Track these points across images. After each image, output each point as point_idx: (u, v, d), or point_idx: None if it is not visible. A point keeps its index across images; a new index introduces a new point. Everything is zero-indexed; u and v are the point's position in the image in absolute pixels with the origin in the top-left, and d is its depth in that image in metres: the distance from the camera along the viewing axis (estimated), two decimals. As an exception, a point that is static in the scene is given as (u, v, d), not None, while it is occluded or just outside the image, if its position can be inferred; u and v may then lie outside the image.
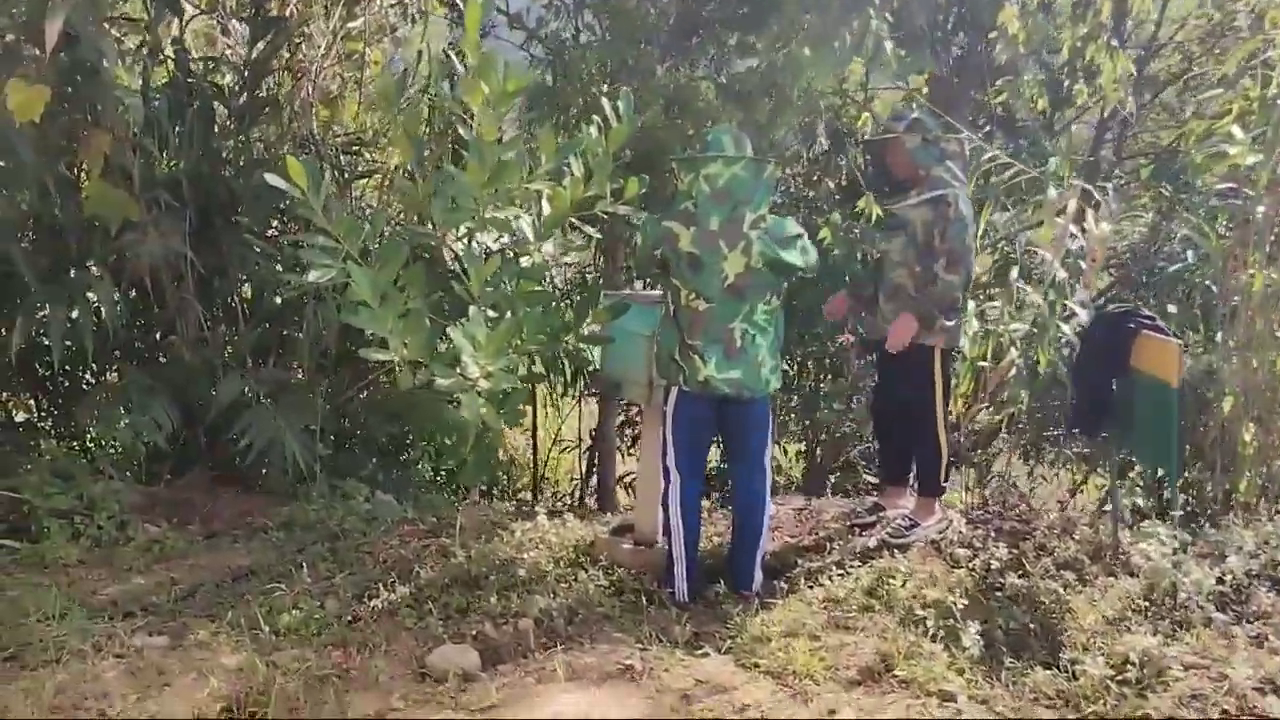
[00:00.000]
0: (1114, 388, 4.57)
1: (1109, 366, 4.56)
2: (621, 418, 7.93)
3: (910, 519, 4.99)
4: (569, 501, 8.59)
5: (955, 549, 4.81)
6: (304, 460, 5.75)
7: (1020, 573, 4.55)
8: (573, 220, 4.58)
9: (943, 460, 4.96)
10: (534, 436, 8.60)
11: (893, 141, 4.84)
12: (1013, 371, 6.42)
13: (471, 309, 4.05)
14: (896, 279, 4.88)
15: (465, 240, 4.40)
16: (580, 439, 8.61)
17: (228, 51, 7.44)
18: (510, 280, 4.34)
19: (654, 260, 4.32)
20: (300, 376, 6.36)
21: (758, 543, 4.45)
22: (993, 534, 4.95)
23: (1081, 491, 7.78)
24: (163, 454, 5.91)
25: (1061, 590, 4.38)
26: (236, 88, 6.76)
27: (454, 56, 4.41)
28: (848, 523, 5.21)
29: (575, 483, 8.65)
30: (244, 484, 6.18)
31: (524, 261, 4.44)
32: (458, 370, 4.02)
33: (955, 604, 4.03)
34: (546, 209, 4.46)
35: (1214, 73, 7.90)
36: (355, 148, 7.69)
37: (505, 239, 4.52)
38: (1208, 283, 5.84)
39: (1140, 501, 5.33)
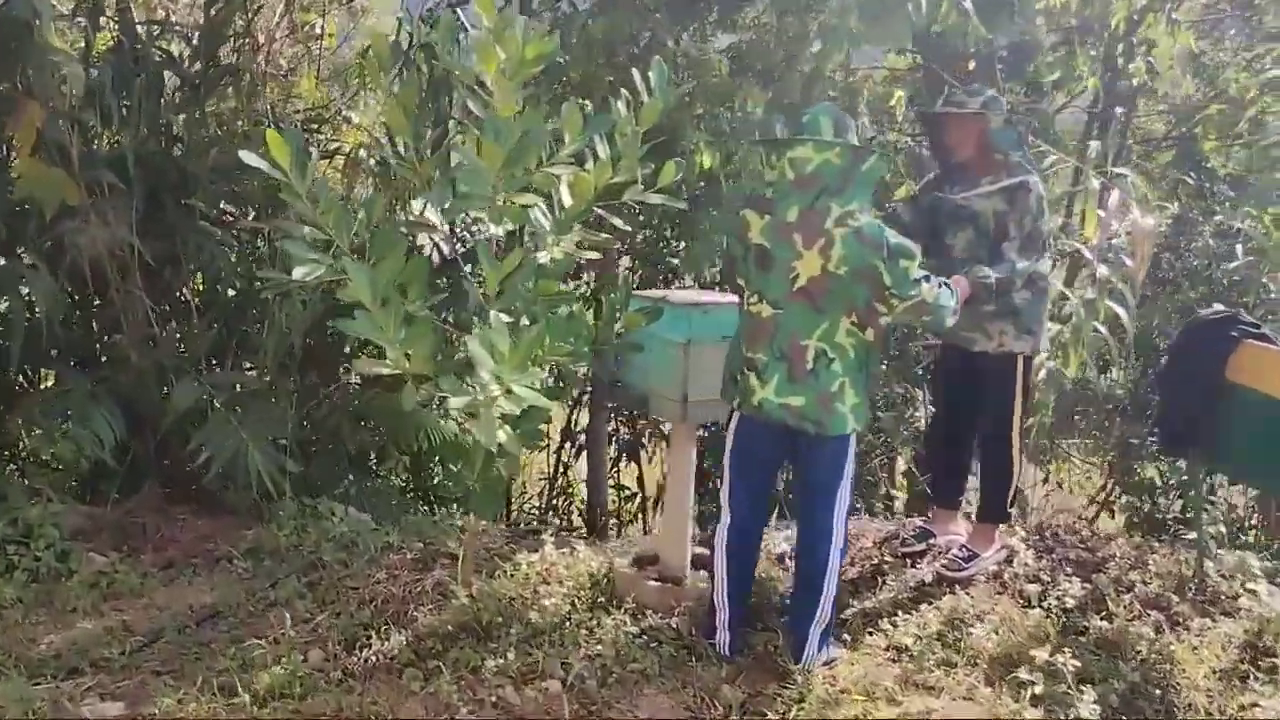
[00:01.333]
0: (1208, 403, 4.03)
1: (1203, 379, 4.03)
2: (612, 420, 7.30)
3: (968, 548, 4.43)
4: (539, 505, 8.02)
5: (1023, 584, 4.27)
6: (271, 477, 5.07)
7: (1102, 613, 4.03)
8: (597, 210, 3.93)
9: (1012, 483, 4.40)
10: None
11: (967, 120, 4.22)
12: (1042, 374, 5.91)
13: (493, 314, 3.41)
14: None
15: (469, 231, 3.74)
16: (549, 437, 7.98)
17: (175, 15, 6.73)
18: (529, 279, 3.70)
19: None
20: (262, 379, 5.66)
21: (813, 613, 3.71)
22: (1062, 565, 4.43)
23: (1105, 505, 7.34)
24: (108, 470, 5.19)
25: (1153, 634, 3.87)
26: (187, 56, 6.04)
27: (462, 18, 3.74)
28: (895, 551, 4.64)
29: (544, 482, 8.05)
30: (201, 503, 5.49)
31: (541, 257, 3.80)
32: (475, 386, 3.39)
33: (1064, 665, 3.45)
34: (566, 197, 3.82)
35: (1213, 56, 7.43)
36: (316, 125, 7.00)
37: (506, 231, 3.86)
38: (1264, 280, 5.34)
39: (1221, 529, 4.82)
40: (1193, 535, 4.54)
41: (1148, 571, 4.39)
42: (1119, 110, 5.91)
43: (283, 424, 5.27)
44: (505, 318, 3.57)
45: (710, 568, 3.90)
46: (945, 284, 3.55)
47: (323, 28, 7.88)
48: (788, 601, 3.93)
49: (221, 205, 6.10)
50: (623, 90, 3.88)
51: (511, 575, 4.38)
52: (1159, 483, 7.18)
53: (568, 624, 3.97)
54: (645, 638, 3.90)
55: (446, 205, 3.85)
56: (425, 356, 3.53)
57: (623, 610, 4.08)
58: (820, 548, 3.67)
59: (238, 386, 5.49)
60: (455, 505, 5.51)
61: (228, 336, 5.82)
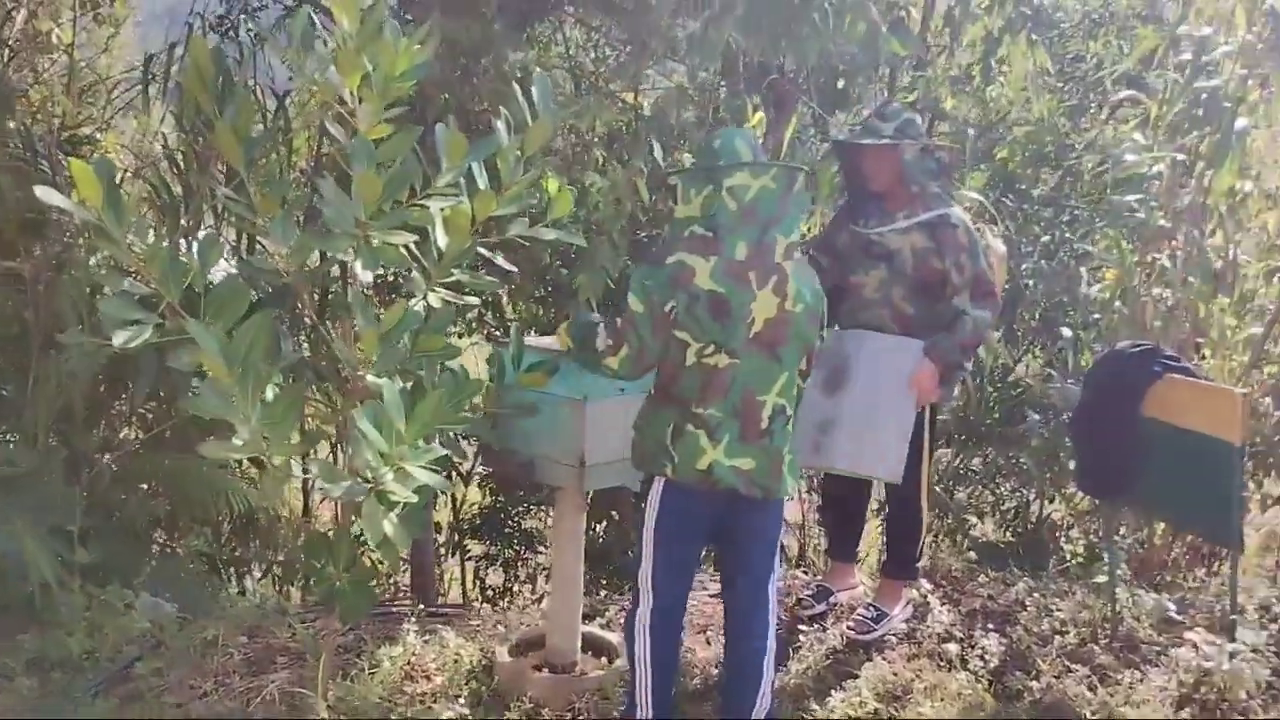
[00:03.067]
0: (1130, 442, 3.83)
1: (1124, 417, 3.82)
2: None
3: (876, 607, 4.09)
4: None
5: (938, 643, 3.97)
6: (53, 575, 4.22)
7: (1031, 672, 3.77)
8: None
9: (921, 538, 4.09)
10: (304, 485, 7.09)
11: (883, 149, 3.87)
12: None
13: (384, 383, 2.80)
14: (872, 320, 3.94)
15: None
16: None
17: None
18: (406, 336, 3.10)
19: (668, 321, 3.08)
20: (32, 451, 4.75)
21: (754, 702, 3.22)
22: (974, 618, 4.16)
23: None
24: None
25: (1089, 693, 3.63)
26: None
27: (317, 21, 3.09)
28: (795, 613, 4.25)
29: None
30: (-42, 604, 4.54)
31: (415, 305, 3.20)
32: (363, 468, 2.78)
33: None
34: (442, 234, 3.23)
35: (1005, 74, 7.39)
36: (73, 147, 6.07)
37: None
38: (1117, 303, 5.26)
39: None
40: (1101, 577, 4.36)
41: (1055, 619, 4.17)
42: (971, 132, 5.75)
43: (67, 506, 4.42)
44: (379, 381, 2.99)
45: (627, 658, 3.35)
46: None
47: (70, 37, 6.94)
48: (722, 692, 3.43)
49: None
50: (502, 110, 3.32)
51: (373, 674, 3.74)
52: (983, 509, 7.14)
53: (457, 736, 3.39)
54: (551, 745, 3.36)
55: (293, 245, 3.19)
56: (288, 435, 2.89)
57: (514, 710, 3.52)
58: (760, 626, 3.24)
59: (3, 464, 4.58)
60: (319, 605, 4.75)
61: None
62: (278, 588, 6.37)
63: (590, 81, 5.71)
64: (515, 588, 7.40)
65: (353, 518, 3.30)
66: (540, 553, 7.53)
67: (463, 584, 7.24)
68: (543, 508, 7.55)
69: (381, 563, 3.86)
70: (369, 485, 2.82)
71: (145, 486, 5.41)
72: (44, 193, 2.82)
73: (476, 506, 7.69)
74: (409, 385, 3.13)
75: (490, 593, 7.38)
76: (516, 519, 7.50)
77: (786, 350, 3.11)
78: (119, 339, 2.81)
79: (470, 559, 7.57)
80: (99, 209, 2.79)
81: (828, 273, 4.04)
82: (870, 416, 3.80)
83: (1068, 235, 6.57)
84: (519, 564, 7.50)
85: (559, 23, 5.90)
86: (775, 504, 3.22)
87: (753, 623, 3.24)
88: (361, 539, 3.22)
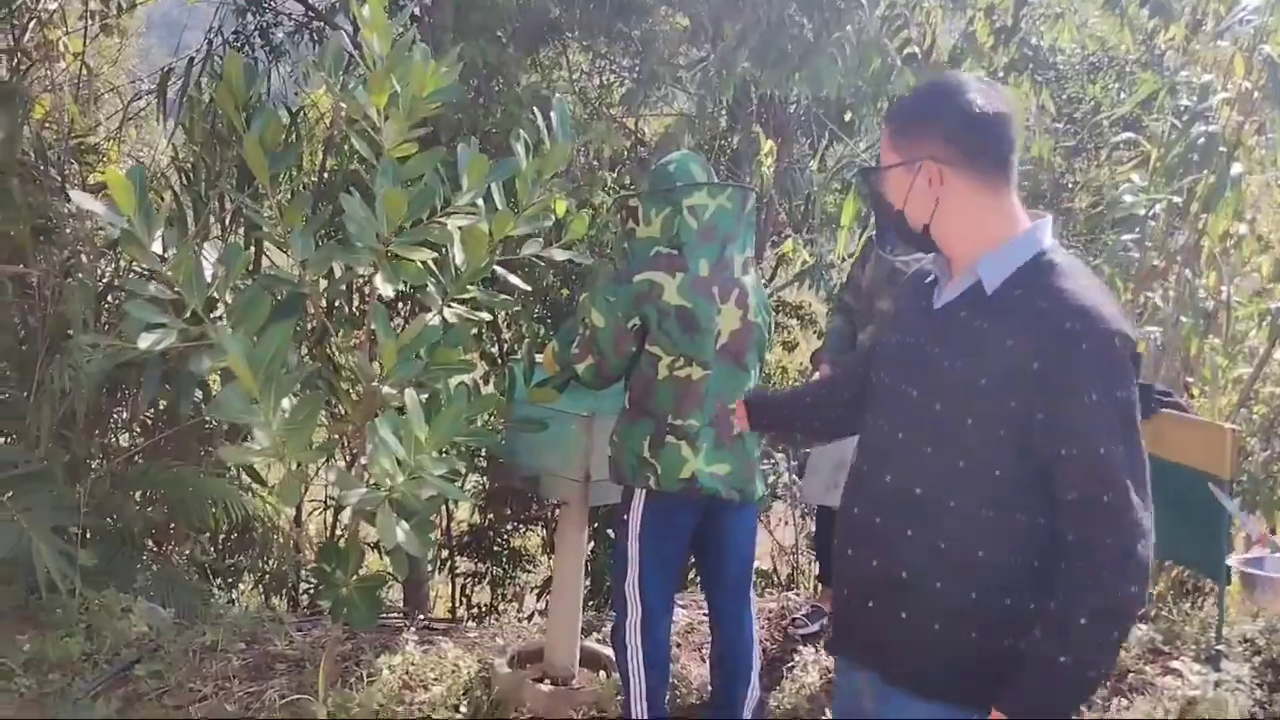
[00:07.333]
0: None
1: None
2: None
3: (869, 629, 4.16)
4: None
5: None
6: (60, 575, 4.25)
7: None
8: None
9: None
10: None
11: None
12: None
13: (409, 394, 2.87)
14: None
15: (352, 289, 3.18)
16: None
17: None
18: (425, 349, 3.17)
19: (630, 337, 3.23)
20: (37, 455, 4.78)
21: (745, 691, 3.36)
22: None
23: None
24: None
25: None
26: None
27: (344, 40, 3.18)
28: (789, 633, 4.32)
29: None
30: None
31: (431, 319, 3.27)
32: (380, 477, 2.84)
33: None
34: (459, 252, 3.31)
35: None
36: (84, 155, 6.14)
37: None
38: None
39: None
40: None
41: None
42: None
43: (70, 509, 4.45)
44: (397, 392, 3.07)
45: (619, 669, 3.41)
46: None
47: (79, 46, 7.01)
48: (714, 678, 3.50)
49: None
50: (521, 132, 3.41)
51: (371, 682, 3.79)
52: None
53: (457, 745, 3.44)
54: (548, 756, 3.41)
55: (314, 257, 3.26)
56: (307, 441, 2.95)
57: (513, 721, 3.58)
58: (748, 626, 3.42)
59: (9, 466, 4.62)
60: (319, 614, 4.81)
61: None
62: (264, 597, 6.40)
63: (594, 106, 5.79)
64: (502, 606, 7.44)
65: (361, 525, 3.36)
66: (528, 571, 7.58)
67: (453, 601, 7.26)
68: (532, 527, 7.61)
69: (389, 571, 3.88)
70: (384, 493, 2.89)
71: (142, 493, 5.46)
72: (78, 196, 2.91)
73: (466, 524, 7.74)
74: (424, 398, 3.21)
75: (477, 610, 7.42)
76: (506, 537, 7.55)
77: (750, 359, 3.31)
78: (144, 342, 2.86)
79: (458, 576, 7.61)
80: (131, 215, 2.87)
81: (856, 311, 4.15)
82: None
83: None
84: (507, 582, 7.55)
85: (563, 48, 5.98)
86: (751, 507, 3.41)
87: (742, 619, 3.41)
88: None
